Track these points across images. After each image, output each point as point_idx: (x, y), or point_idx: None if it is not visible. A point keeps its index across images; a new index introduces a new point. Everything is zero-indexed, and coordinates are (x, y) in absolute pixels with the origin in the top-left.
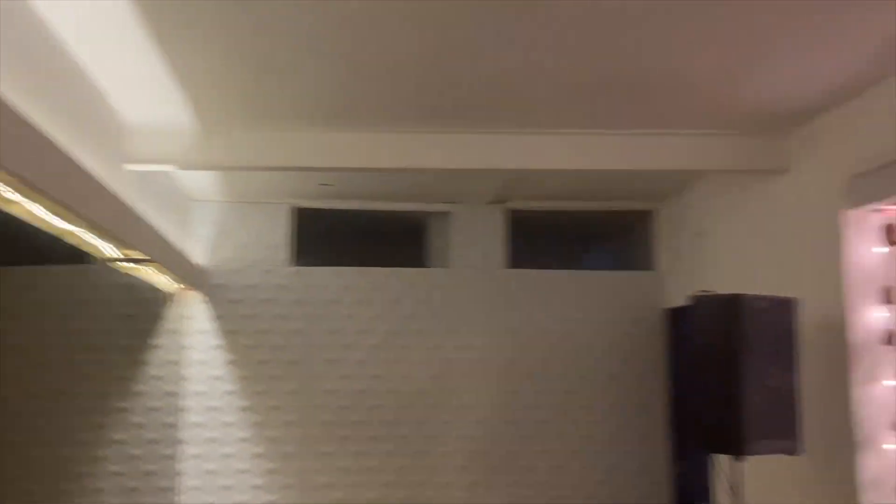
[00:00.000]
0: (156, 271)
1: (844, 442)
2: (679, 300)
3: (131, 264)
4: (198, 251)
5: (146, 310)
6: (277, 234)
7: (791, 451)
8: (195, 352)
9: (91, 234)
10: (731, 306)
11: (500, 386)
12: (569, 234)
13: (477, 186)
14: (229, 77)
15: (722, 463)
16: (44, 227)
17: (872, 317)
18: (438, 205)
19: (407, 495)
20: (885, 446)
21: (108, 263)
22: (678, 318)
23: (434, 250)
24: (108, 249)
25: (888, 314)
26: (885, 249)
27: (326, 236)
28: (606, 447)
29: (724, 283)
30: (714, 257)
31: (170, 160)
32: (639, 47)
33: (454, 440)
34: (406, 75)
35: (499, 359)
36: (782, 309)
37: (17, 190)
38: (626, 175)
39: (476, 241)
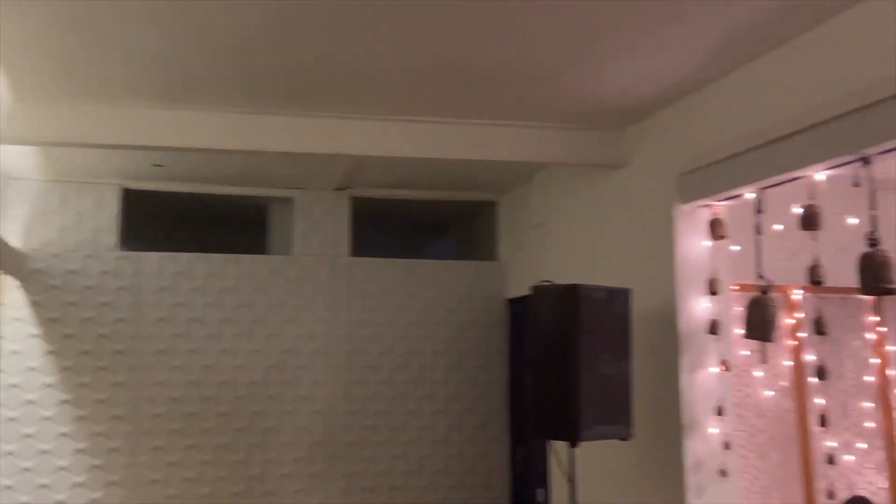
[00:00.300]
0: None
1: (672, 426)
2: (521, 290)
3: None
4: (13, 233)
5: None
6: (104, 216)
7: (623, 437)
8: (9, 342)
9: None
10: (568, 296)
11: (341, 376)
12: (413, 224)
13: (321, 172)
14: (53, 44)
15: (558, 449)
16: None
17: (699, 307)
18: (280, 190)
19: (242, 489)
20: (709, 430)
21: None
22: (520, 308)
23: (275, 237)
24: None
25: (713, 304)
26: (711, 243)
27: (159, 220)
28: (448, 436)
29: (563, 274)
30: (554, 248)
31: None
32: (481, 37)
33: (293, 431)
34: (245, 54)
35: (340, 348)
36: (617, 299)
37: None
38: (469, 165)
39: (319, 229)
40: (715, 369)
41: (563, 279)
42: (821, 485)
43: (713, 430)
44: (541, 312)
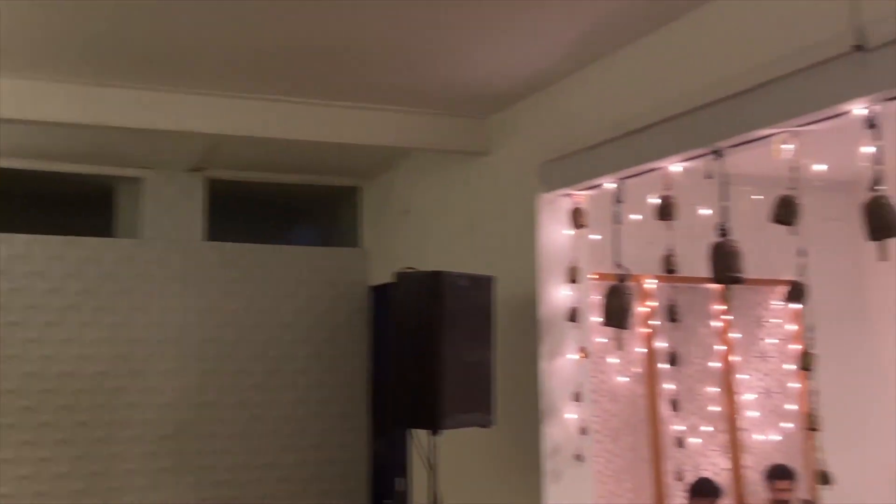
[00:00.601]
0: None
1: (531, 412)
2: (384, 278)
3: None
4: None
5: None
6: None
7: (484, 424)
8: None
9: None
10: (432, 283)
11: (193, 366)
12: (274, 208)
13: (173, 151)
14: None
15: (419, 438)
16: None
17: (559, 295)
18: (128, 169)
19: (83, 487)
20: (566, 416)
21: None
22: (383, 296)
23: (122, 219)
24: None
25: (572, 292)
26: (572, 232)
27: None
28: (305, 427)
29: (427, 261)
30: (418, 235)
31: None
32: (342, 15)
33: (140, 425)
34: (90, 20)
35: (193, 337)
36: (480, 287)
37: None
38: (333, 148)
39: (171, 211)
40: (573, 356)
41: (426, 266)
42: (669, 466)
43: (570, 415)
44: (403, 300)
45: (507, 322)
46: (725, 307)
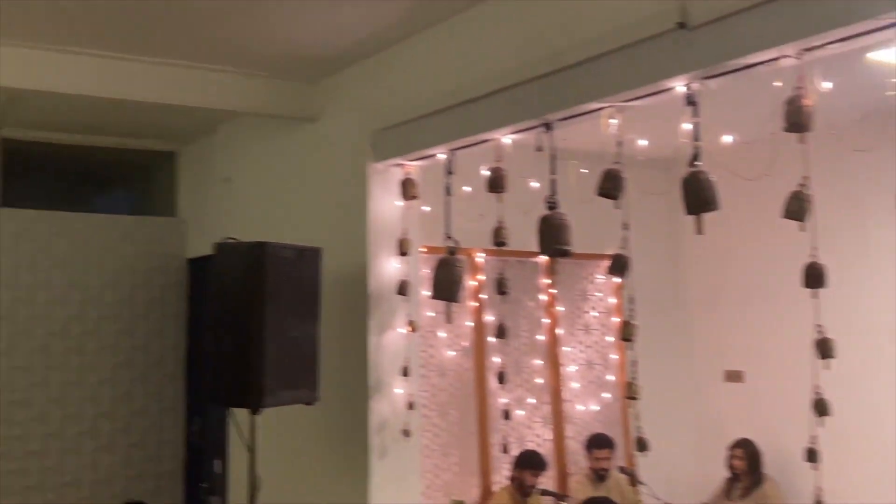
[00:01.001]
0: None
1: (359, 388)
2: (203, 249)
3: None
4: None
5: None
6: None
7: (309, 401)
8: None
9: None
10: (254, 255)
11: None
12: (80, 173)
13: None
14: None
15: (238, 417)
16: None
17: (389, 267)
18: None
19: None
20: (394, 391)
21: None
22: (201, 269)
23: None
24: None
25: (402, 265)
26: (403, 203)
27: None
28: (114, 409)
29: (250, 232)
30: (242, 205)
31: None
32: None
33: None
34: None
35: None
36: (307, 258)
37: None
38: (146, 109)
39: None
40: (402, 330)
41: (249, 237)
42: (496, 439)
43: (398, 390)
44: (224, 272)
45: (335, 295)
46: (551, 281)
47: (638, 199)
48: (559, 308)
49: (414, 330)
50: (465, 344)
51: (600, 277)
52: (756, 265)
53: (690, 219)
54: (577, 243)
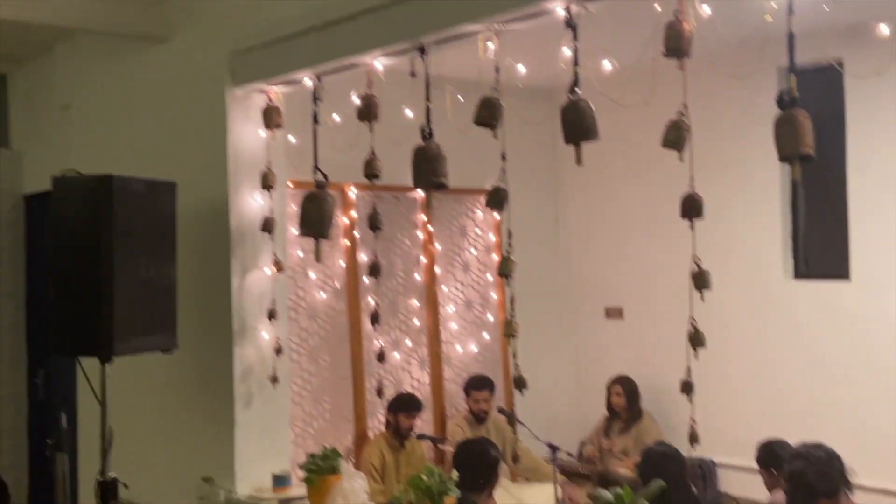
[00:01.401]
0: None
1: (222, 333)
2: (42, 184)
3: None
4: None
5: None
6: None
7: (167, 348)
8: None
9: None
10: (100, 190)
11: None
12: None
13: None
14: None
15: (87, 367)
16: None
17: (252, 203)
18: None
19: None
20: (261, 335)
21: None
22: (41, 206)
23: None
24: None
25: (267, 200)
26: (266, 133)
27: None
28: None
29: (96, 164)
30: (85, 134)
31: None
32: None
33: None
34: None
35: None
36: (160, 193)
37: None
38: None
39: None
40: (268, 270)
41: (93, 170)
42: (370, 384)
43: (265, 334)
44: (65, 209)
45: (193, 233)
46: (429, 217)
47: (517, 129)
48: (437, 246)
49: (280, 270)
50: (338, 285)
51: (480, 213)
52: (636, 197)
53: (571, 151)
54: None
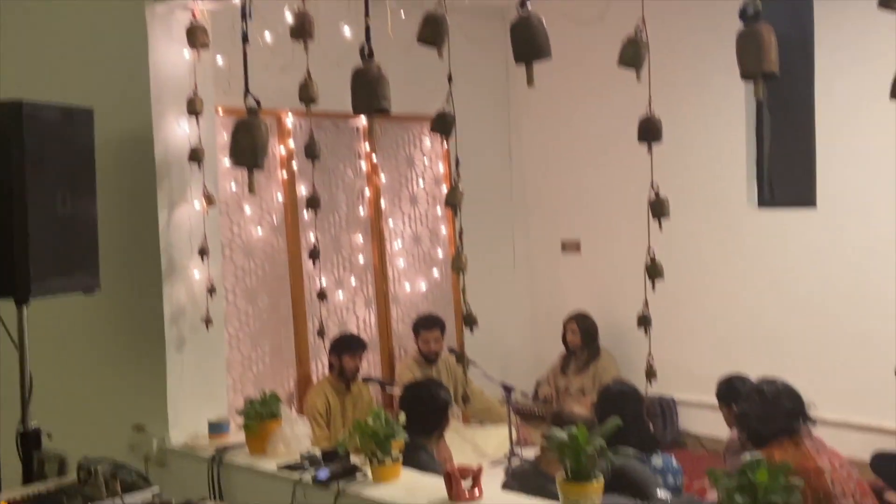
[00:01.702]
0: None
1: (149, 272)
2: None
3: None
4: None
5: None
6: None
7: (88, 289)
8: None
9: None
10: (8, 117)
11: None
12: None
13: None
14: None
15: (3, 309)
16: None
17: (178, 131)
18: None
19: None
20: (192, 274)
21: None
22: None
23: None
24: None
25: (194, 128)
26: (192, 54)
27: None
28: None
29: (3, 89)
30: None
31: None
32: None
33: None
34: None
35: None
36: (76, 121)
37: None
38: None
39: None
40: (198, 204)
41: (1, 96)
42: (313, 324)
43: (196, 273)
44: None
45: (115, 165)
46: (373, 146)
47: (466, 49)
48: (382, 177)
49: (211, 204)
50: (275, 220)
51: (428, 142)
52: (593, 122)
53: (523, 73)
54: (400, 102)
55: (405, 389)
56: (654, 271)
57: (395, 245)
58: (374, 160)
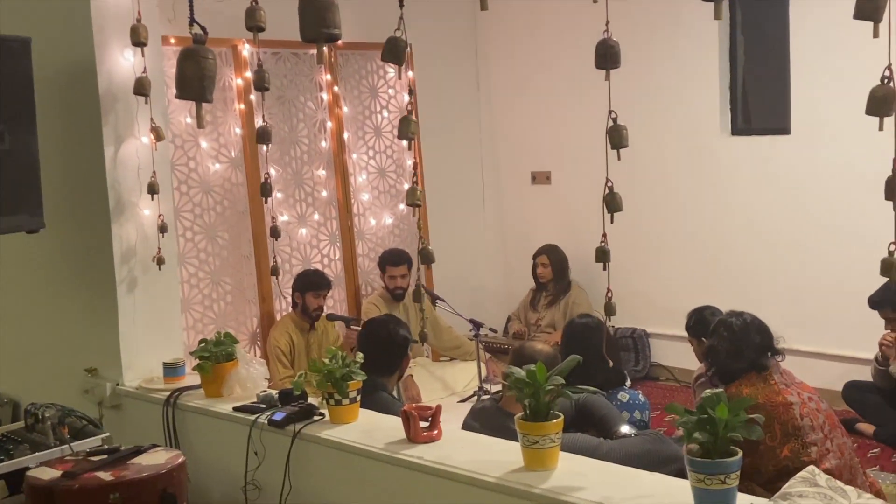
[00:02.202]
0: None
1: (97, 210)
2: None
3: None
4: None
5: None
6: None
7: (32, 228)
8: None
9: None
10: None
11: None
12: None
13: None
14: None
15: None
16: None
17: (123, 61)
18: None
19: None
20: (142, 212)
21: None
22: None
23: None
24: None
25: (139, 58)
26: None
27: None
28: None
29: None
30: None
31: None
32: None
33: None
34: None
35: None
36: (13, 52)
37: None
38: None
39: None
40: (146, 139)
41: None
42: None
43: (146, 211)
44: None
45: (56, 97)
46: (332, 77)
47: None
48: (344, 109)
49: (160, 138)
50: (234, 154)
51: (392, 71)
52: (561, 51)
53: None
54: (361, 30)
55: (364, 326)
56: (612, 204)
57: (360, 178)
58: (336, 91)
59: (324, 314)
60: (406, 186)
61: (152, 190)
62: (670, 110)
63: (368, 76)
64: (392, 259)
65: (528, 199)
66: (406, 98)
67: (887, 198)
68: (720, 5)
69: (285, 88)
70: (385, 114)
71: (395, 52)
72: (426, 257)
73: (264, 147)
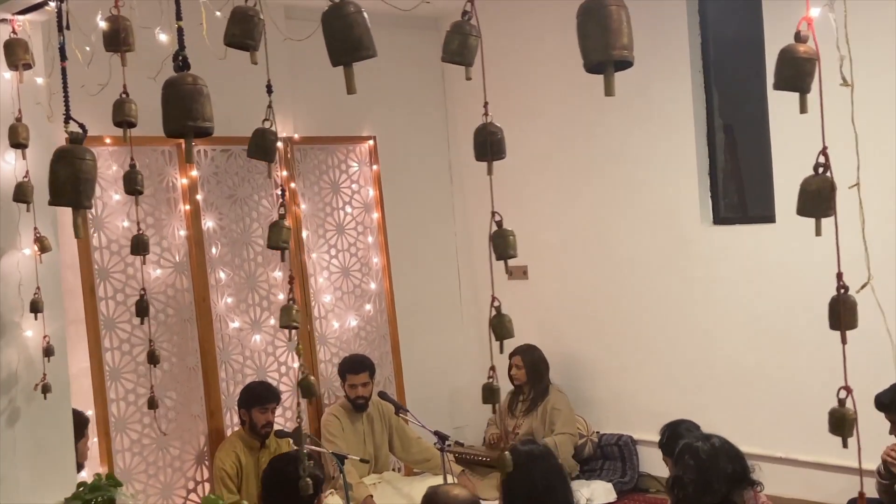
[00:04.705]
0: None
1: None
2: None
3: None
4: None
5: None
6: None
7: None
8: None
9: None
10: None
11: None
12: None
13: None
14: None
15: None
16: None
17: (2, 164)
18: None
19: None
20: (26, 333)
21: None
22: None
23: None
24: None
25: (19, 161)
26: (12, 74)
27: None
28: None
29: None
30: None
31: None
32: None
33: None
34: None
35: None
36: None
37: None
38: None
39: None
40: (28, 251)
41: None
42: (227, 372)
43: (29, 332)
44: None
45: None
46: (288, 173)
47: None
48: (302, 206)
49: (44, 250)
50: (178, 258)
51: (354, 165)
52: (535, 141)
53: (461, 89)
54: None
55: (269, 464)
56: (500, 329)
57: (320, 279)
58: (293, 187)
59: (272, 431)
60: (372, 285)
61: (35, 308)
62: (648, 201)
63: (329, 171)
64: (352, 366)
65: (504, 295)
66: (371, 192)
67: (832, 327)
68: (610, 78)
69: (237, 187)
70: (348, 209)
71: (262, 149)
72: (307, 392)
73: (213, 248)
